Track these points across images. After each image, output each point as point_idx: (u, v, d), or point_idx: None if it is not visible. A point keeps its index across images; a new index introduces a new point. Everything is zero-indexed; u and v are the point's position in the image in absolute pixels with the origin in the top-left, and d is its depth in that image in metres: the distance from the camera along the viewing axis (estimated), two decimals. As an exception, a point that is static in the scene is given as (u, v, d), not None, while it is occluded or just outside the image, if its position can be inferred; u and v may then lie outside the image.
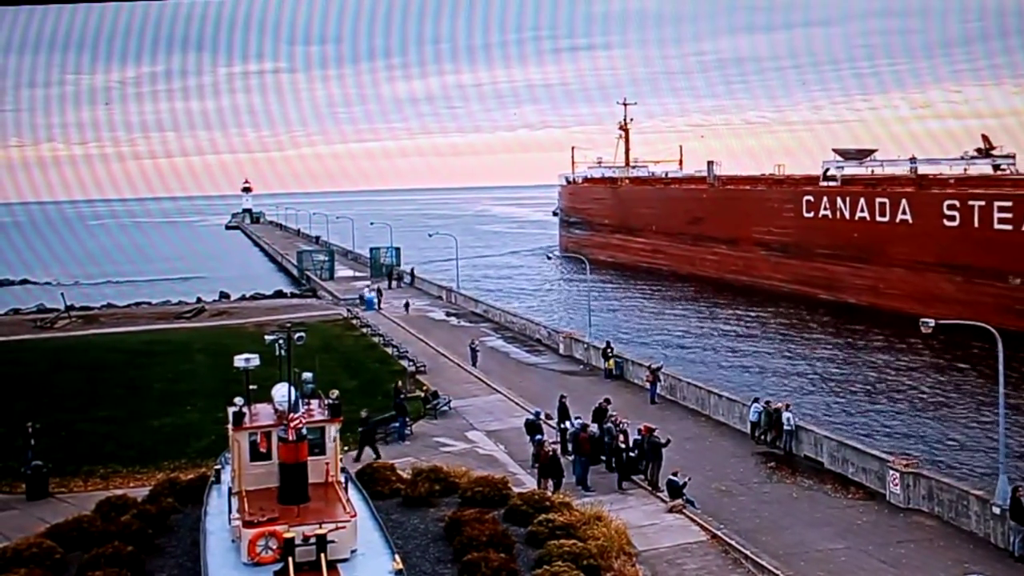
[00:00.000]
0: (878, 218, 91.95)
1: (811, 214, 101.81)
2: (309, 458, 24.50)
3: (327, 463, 25.43)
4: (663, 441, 35.65)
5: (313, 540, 21.69)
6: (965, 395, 56.32)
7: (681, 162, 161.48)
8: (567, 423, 40.15)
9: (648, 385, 49.95)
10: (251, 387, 26.79)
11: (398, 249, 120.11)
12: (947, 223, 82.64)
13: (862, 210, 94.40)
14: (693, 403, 47.49)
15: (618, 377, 54.77)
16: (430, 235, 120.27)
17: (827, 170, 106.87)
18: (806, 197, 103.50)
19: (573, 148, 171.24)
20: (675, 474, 33.64)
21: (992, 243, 77.62)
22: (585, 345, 61.02)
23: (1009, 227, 76.42)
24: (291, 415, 24.70)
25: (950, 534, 30.46)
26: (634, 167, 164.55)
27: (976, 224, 79.50)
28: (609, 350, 56.25)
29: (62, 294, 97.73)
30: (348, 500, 24.34)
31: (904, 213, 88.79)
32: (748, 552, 28.28)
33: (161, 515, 28.93)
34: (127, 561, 24.68)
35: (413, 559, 25.37)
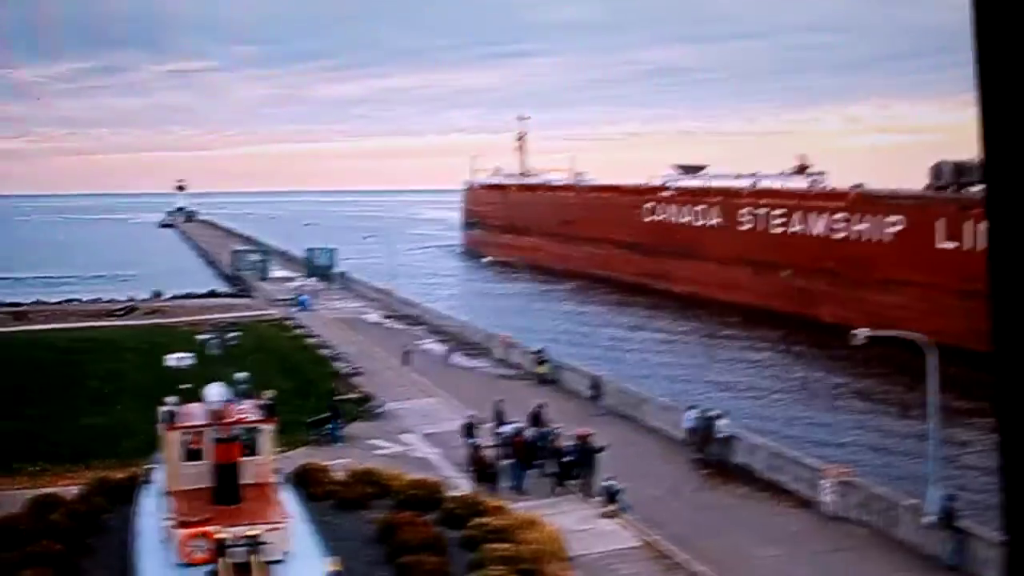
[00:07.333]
0: (697, 222, 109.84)
1: (650, 218, 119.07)
2: (243, 459, 24.31)
3: (261, 464, 25.22)
4: (598, 447, 35.81)
5: (246, 541, 21.49)
6: (886, 399, 57.16)
7: (571, 172, 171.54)
8: (503, 427, 40.12)
9: (588, 392, 50.10)
10: (184, 386, 26.49)
11: (333, 250, 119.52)
12: (743, 227, 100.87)
13: (686, 215, 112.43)
14: (629, 409, 47.68)
15: (553, 383, 54.76)
16: (365, 237, 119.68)
17: (666, 182, 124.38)
18: (647, 204, 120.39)
19: (474, 156, 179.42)
20: (610, 480, 33.78)
21: (770, 243, 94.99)
22: (521, 350, 61.08)
23: (781, 230, 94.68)
24: (224, 415, 24.48)
25: (881, 543, 30.88)
26: (528, 175, 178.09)
27: (760, 228, 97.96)
28: (541, 355, 56.30)
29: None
30: (282, 501, 24.15)
31: (715, 218, 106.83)
32: (681, 558, 28.47)
33: (92, 514, 28.49)
34: (57, 560, 24.26)
35: (347, 562, 25.17)
